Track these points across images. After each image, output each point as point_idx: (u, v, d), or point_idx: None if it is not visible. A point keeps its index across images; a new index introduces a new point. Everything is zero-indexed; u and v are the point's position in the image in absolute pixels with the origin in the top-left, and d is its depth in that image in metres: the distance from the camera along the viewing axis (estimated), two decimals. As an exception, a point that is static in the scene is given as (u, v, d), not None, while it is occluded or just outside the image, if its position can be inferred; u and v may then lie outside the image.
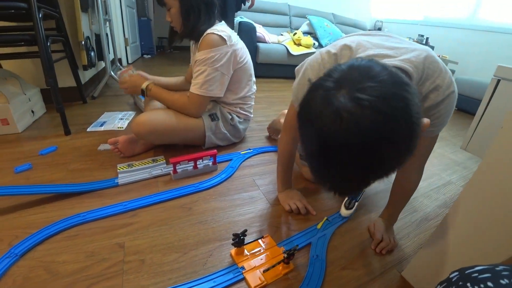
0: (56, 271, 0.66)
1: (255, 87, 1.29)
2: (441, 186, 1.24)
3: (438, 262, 0.67)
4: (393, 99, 0.37)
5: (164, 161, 1.13)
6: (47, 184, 0.96)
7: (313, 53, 3.06)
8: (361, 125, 0.36)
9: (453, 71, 3.16)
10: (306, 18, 3.71)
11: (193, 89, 1.08)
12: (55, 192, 0.92)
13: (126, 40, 2.98)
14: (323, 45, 3.49)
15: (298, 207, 0.92)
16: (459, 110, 2.73)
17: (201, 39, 1.08)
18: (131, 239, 0.76)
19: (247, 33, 2.81)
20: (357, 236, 0.87)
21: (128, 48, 3.05)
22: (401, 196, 0.87)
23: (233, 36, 1.12)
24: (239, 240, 0.71)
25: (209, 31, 1.07)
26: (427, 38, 3.76)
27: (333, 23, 3.88)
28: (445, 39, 3.64)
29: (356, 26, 4.23)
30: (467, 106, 2.63)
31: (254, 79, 1.27)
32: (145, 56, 3.94)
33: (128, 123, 1.53)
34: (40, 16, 1.23)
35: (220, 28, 1.09)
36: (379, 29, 4.58)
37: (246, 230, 0.71)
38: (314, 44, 3.36)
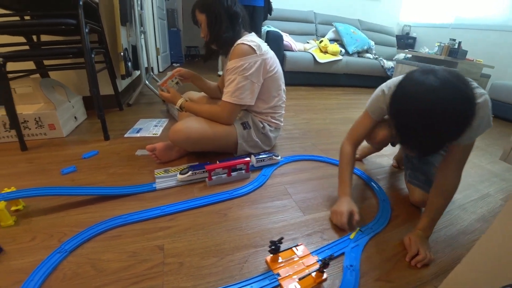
0: (102, 268, 0.71)
1: (285, 96, 1.31)
2: (478, 199, 1.19)
3: (478, 279, 0.64)
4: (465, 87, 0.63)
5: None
6: (90, 187, 1.03)
7: (339, 60, 3.06)
8: (445, 95, 0.61)
9: (488, 76, 3.00)
10: (332, 25, 3.70)
11: (225, 97, 1.13)
12: (98, 194, 0.98)
13: (157, 50, 3.12)
14: (350, 52, 3.47)
15: (340, 223, 0.91)
16: (496, 118, 2.58)
17: (231, 49, 1.13)
18: (170, 242, 0.80)
19: (274, 42, 2.86)
20: (391, 248, 0.86)
21: (159, 57, 3.19)
22: (438, 203, 0.86)
23: (263, 46, 1.16)
24: (275, 247, 0.72)
25: (239, 41, 1.11)
26: (459, 43, 3.56)
27: (359, 29, 3.84)
28: (479, 42, 3.45)
29: (383, 32, 4.16)
30: (505, 112, 2.50)
31: (284, 88, 1.29)
32: (174, 64, 4.10)
33: (162, 130, 1.60)
34: (87, 31, 1.33)
35: (250, 38, 1.13)
36: (407, 33, 4.46)
37: (282, 238, 0.73)
38: (341, 51, 3.34)
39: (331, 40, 3.52)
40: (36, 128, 1.50)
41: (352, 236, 0.88)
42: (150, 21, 2.98)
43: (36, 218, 0.89)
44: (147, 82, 2.14)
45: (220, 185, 1.08)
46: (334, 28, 3.64)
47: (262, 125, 1.24)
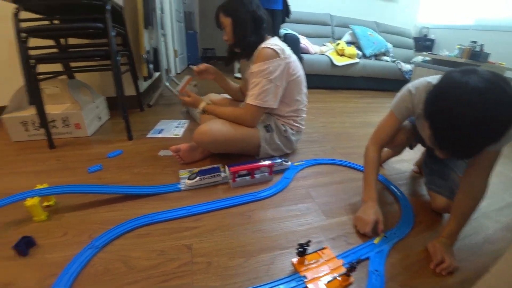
0: (132, 265, 0.73)
1: (306, 100, 1.31)
2: (503, 207, 1.16)
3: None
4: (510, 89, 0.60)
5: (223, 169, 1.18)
6: (117, 185, 1.06)
7: (356, 63, 3.03)
8: (492, 97, 0.59)
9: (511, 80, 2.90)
10: (348, 28, 3.67)
11: (249, 100, 1.14)
12: (125, 193, 1.01)
13: (175, 52, 3.18)
14: (367, 55, 3.43)
15: (364, 232, 0.90)
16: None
17: (255, 53, 1.14)
18: (197, 242, 0.82)
19: (291, 45, 2.82)
20: (414, 254, 0.85)
21: (177, 59, 3.25)
22: (465, 210, 0.84)
23: (286, 50, 1.17)
24: (303, 250, 0.72)
25: (263, 45, 1.13)
26: (481, 45, 3.44)
27: (376, 31, 3.80)
28: (501, 44, 3.32)
29: (400, 34, 4.09)
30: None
31: (306, 91, 1.29)
32: (191, 66, 4.16)
33: (184, 131, 1.63)
34: (113, 34, 1.37)
35: (274, 42, 1.14)
36: (425, 35, 4.37)
37: (310, 241, 0.73)
38: (357, 54, 3.31)
39: (348, 43, 3.49)
40: (63, 127, 1.56)
41: (376, 241, 0.88)
42: (169, 24, 3.04)
43: (67, 214, 0.93)
44: (167, 83, 2.18)
45: (243, 187, 1.09)
46: (351, 31, 3.61)
47: (284, 128, 1.25)
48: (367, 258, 0.81)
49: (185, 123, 1.76)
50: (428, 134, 0.72)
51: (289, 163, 1.24)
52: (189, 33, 4.10)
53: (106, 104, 1.85)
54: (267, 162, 1.12)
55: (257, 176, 1.10)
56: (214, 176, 1.07)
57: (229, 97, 1.54)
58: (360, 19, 3.89)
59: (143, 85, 2.14)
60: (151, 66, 1.99)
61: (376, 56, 3.58)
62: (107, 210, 0.95)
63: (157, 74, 2.50)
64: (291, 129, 1.28)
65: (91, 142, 1.52)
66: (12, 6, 1.28)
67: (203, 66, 1.33)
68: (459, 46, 2.94)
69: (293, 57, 1.19)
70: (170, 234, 0.84)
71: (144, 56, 1.85)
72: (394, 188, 1.16)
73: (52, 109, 1.52)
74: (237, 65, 3.39)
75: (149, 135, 1.56)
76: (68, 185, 0.99)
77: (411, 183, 1.25)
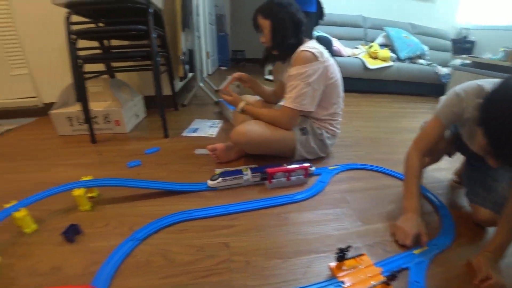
0: (172, 259, 0.75)
1: (343, 103, 1.29)
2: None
3: None
4: None
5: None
6: (156, 181, 1.09)
7: (390, 66, 2.92)
8: None
9: None
10: (382, 30, 3.57)
11: (287, 102, 1.14)
12: (164, 188, 1.04)
13: (207, 53, 3.25)
14: (402, 58, 3.31)
15: (403, 243, 0.86)
16: None
17: (294, 56, 1.14)
18: (234, 240, 0.83)
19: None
20: (456, 267, 0.80)
21: (208, 61, 3.33)
22: None
23: (325, 53, 1.16)
24: (342, 255, 0.71)
25: (302, 48, 1.12)
26: None
27: (411, 33, 3.65)
28: None
29: (437, 35, 3.89)
30: None
31: (343, 95, 1.28)
32: (221, 67, 4.25)
33: (218, 131, 1.66)
34: (155, 36, 1.43)
35: (312, 45, 1.14)
36: (465, 37, 4.14)
37: (350, 246, 0.72)
38: (391, 57, 3.21)
39: (381, 45, 3.39)
40: (104, 123, 1.65)
41: (417, 251, 0.84)
42: (202, 26, 3.12)
43: (108, 206, 0.98)
44: (201, 84, 2.24)
45: (278, 189, 1.09)
46: (385, 33, 3.51)
47: (320, 132, 1.24)
48: (407, 268, 0.78)
49: (218, 123, 1.79)
50: (480, 142, 0.68)
51: (313, 168, 1.20)
52: (220, 35, 4.18)
53: (143, 103, 1.93)
54: (303, 165, 1.11)
55: (292, 178, 1.10)
56: (236, 178, 1.08)
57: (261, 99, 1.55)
58: (394, 21, 3.76)
59: (178, 85, 2.21)
60: (186, 67, 2.05)
61: (411, 59, 3.44)
62: (146, 204, 0.99)
63: (190, 74, 2.58)
64: (327, 132, 1.26)
65: (129, 139, 1.59)
66: (64, 11, 1.37)
67: (237, 74, 1.35)
68: (503, 49, 2.76)
69: (331, 60, 1.18)
70: (208, 231, 0.86)
71: (181, 57, 1.91)
72: (433, 197, 1.11)
73: (95, 106, 1.60)
74: (267, 67, 3.40)
75: (184, 134, 1.61)
76: (110, 178, 1.04)
77: (450, 193, 1.19)
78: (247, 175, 1.09)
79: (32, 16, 1.82)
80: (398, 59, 3.33)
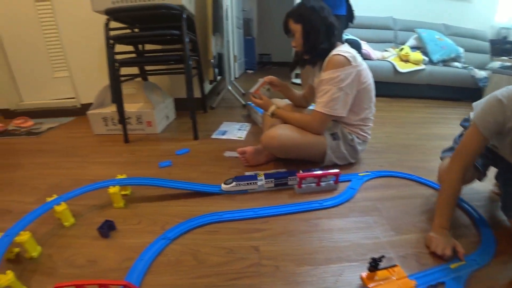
0: (202, 260, 0.76)
1: (374, 108, 1.26)
2: None
3: None
4: None
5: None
6: (187, 182, 1.12)
7: (422, 70, 2.79)
8: None
9: None
10: (413, 31, 3.44)
11: (318, 107, 1.13)
12: (195, 190, 1.07)
13: (235, 57, 3.30)
14: (434, 61, 3.17)
15: (442, 253, 0.81)
16: None
17: (326, 60, 1.13)
18: (264, 244, 0.83)
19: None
20: (498, 286, 0.75)
21: (236, 64, 3.37)
22: None
23: (358, 57, 1.14)
24: (376, 265, 0.69)
25: (334, 52, 1.11)
26: None
27: (445, 35, 3.49)
28: None
29: (473, 36, 3.67)
30: None
31: (374, 100, 1.25)
32: (248, 71, 4.29)
33: (246, 134, 1.69)
34: (187, 40, 1.47)
35: (345, 49, 1.12)
36: (505, 38, 3.87)
37: (383, 256, 0.70)
38: (423, 60, 3.09)
39: (413, 48, 3.27)
40: (136, 124, 1.72)
41: (454, 265, 0.80)
42: (230, 31, 3.17)
43: (141, 204, 1.02)
44: (229, 87, 2.28)
45: (308, 194, 1.08)
46: (416, 35, 3.38)
47: (351, 137, 1.22)
48: (443, 283, 0.75)
49: (247, 126, 1.81)
50: None
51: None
52: (247, 39, 4.22)
53: (173, 105, 1.99)
54: (334, 171, 1.09)
55: (322, 184, 1.08)
56: (250, 183, 1.07)
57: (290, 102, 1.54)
58: (427, 22, 3.60)
59: (207, 87, 2.26)
60: (216, 70, 2.10)
61: (445, 62, 3.28)
62: (178, 204, 1.01)
63: (219, 77, 2.63)
64: (358, 138, 1.24)
65: (160, 139, 1.64)
66: (103, 17, 1.45)
67: (268, 78, 1.35)
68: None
69: (364, 65, 1.16)
70: (238, 234, 0.87)
71: (212, 61, 1.95)
72: (471, 209, 1.04)
73: (128, 108, 1.68)
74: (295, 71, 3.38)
75: (213, 136, 1.64)
76: (144, 178, 1.08)
77: (489, 205, 1.12)
78: (262, 180, 1.08)
79: (73, 22, 1.96)
80: (431, 62, 3.19)
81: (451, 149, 1.08)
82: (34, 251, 0.78)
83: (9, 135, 1.85)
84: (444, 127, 2.09)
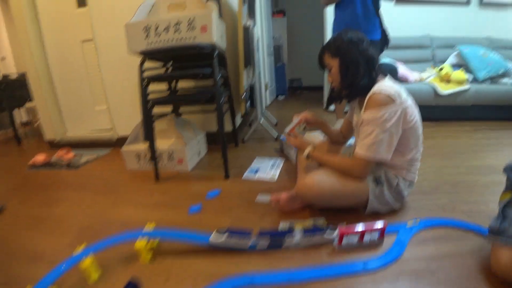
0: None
1: (422, 147, 1.14)
2: None
3: None
4: None
5: (326, 223, 1.09)
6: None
7: (467, 90, 2.56)
8: None
9: None
10: (452, 48, 3.21)
11: (360, 150, 1.03)
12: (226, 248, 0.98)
13: (266, 85, 3.30)
14: (480, 79, 2.92)
15: None
16: None
17: (367, 98, 1.03)
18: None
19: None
20: None
21: (267, 92, 3.37)
22: None
23: (402, 93, 1.03)
24: None
25: (376, 88, 1.01)
26: None
27: (490, 49, 3.21)
28: None
29: (523, 48, 3.36)
30: None
31: (422, 139, 1.12)
32: (279, 97, 4.29)
33: (279, 173, 1.63)
34: (219, 77, 1.47)
35: (388, 85, 1.02)
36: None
37: None
38: (467, 79, 2.85)
39: (454, 66, 3.04)
40: (168, 161, 1.72)
41: None
42: (261, 60, 3.19)
43: (169, 257, 0.97)
44: (261, 120, 2.25)
45: (349, 250, 0.96)
46: (457, 52, 3.15)
47: (396, 181, 1.09)
48: None
49: (280, 163, 1.75)
50: None
51: (336, 232, 0.98)
52: (278, 66, 4.25)
53: (205, 140, 1.99)
54: (379, 225, 0.96)
55: (366, 239, 0.97)
56: (242, 239, 0.96)
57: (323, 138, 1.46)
58: (467, 37, 3.35)
59: (238, 120, 2.26)
60: (248, 103, 2.08)
61: (492, 79, 3.01)
62: (207, 258, 0.95)
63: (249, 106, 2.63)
64: (404, 180, 1.11)
65: (191, 178, 1.63)
66: (139, 58, 1.50)
67: (303, 117, 1.29)
68: None
69: (410, 101, 1.05)
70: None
71: (243, 96, 1.95)
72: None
73: (160, 144, 1.70)
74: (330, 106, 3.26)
75: (245, 175, 1.60)
76: (172, 231, 1.04)
77: None
78: (256, 239, 0.97)
79: (113, 61, 2.10)
80: (476, 80, 2.94)
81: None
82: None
83: (51, 167, 2.02)
84: (497, 155, 1.86)
